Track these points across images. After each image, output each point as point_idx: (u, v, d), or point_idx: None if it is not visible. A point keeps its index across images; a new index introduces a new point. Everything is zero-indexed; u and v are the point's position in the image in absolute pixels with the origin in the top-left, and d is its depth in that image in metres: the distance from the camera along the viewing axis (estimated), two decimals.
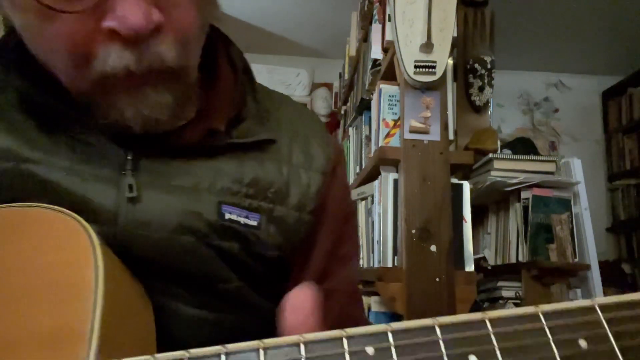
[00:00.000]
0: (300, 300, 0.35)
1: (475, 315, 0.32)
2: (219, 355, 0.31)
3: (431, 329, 0.32)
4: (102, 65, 0.42)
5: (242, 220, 0.51)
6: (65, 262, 0.37)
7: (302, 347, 0.30)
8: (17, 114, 0.48)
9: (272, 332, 0.58)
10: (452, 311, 1.33)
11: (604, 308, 0.32)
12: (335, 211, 0.60)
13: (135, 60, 0.42)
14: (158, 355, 0.30)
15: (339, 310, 0.59)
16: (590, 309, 0.32)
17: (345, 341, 0.30)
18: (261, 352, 0.31)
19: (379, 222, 1.52)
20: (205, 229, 0.49)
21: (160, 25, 0.42)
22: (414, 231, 1.36)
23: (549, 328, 0.31)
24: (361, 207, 1.77)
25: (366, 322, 0.63)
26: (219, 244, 0.50)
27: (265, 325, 0.56)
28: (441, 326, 0.32)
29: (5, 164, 0.46)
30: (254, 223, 0.52)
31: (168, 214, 0.48)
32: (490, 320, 0.31)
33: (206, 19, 0.49)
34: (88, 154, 0.48)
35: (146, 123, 0.46)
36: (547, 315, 0.31)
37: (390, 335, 0.31)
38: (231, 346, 0.31)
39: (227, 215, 0.50)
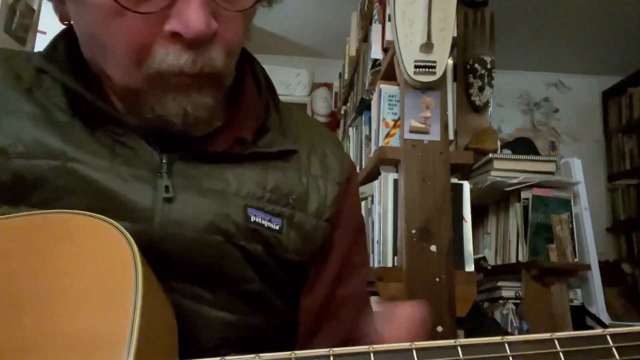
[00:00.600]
0: (408, 315, 0.37)
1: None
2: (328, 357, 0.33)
3: (500, 345, 0.34)
4: (159, 63, 0.46)
5: (266, 223, 0.54)
6: (106, 268, 0.39)
7: (372, 356, 0.33)
8: (63, 115, 0.51)
9: (289, 335, 0.60)
10: (452, 311, 1.33)
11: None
12: (349, 220, 0.63)
13: (192, 61, 0.46)
14: (263, 355, 0.33)
15: (352, 318, 0.62)
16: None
17: (414, 353, 0.33)
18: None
19: (379, 222, 1.52)
20: (233, 229, 0.52)
21: (215, 33, 0.47)
22: (414, 231, 1.36)
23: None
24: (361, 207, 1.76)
25: (376, 332, 0.65)
26: (245, 244, 0.53)
27: (283, 328, 0.59)
28: (510, 343, 0.34)
29: (54, 162, 0.49)
30: (276, 227, 0.55)
31: (200, 214, 0.51)
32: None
33: (247, 34, 0.54)
34: (127, 155, 0.51)
35: (187, 121, 0.50)
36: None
37: (459, 350, 0.33)
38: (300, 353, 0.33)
39: (253, 218, 0.53)
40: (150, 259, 0.45)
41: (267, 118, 0.59)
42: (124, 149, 0.51)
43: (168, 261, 0.49)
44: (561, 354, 0.33)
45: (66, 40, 0.55)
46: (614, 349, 0.33)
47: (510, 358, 0.32)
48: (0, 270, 0.39)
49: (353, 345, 0.60)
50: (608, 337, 0.34)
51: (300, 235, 0.57)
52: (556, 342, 0.33)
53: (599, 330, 0.34)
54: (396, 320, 0.37)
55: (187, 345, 0.49)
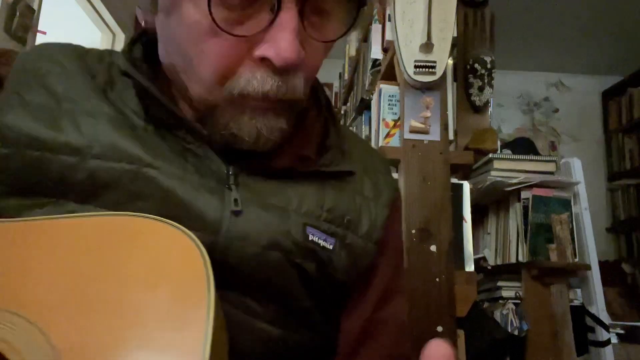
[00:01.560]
0: (442, 352, 0.36)
1: None
2: None
3: None
4: (244, 86, 0.47)
5: (322, 243, 0.54)
6: (179, 277, 0.38)
7: None
8: (137, 118, 0.52)
9: (330, 354, 0.60)
10: (452, 311, 1.33)
11: None
12: (394, 244, 0.64)
13: (277, 87, 0.47)
14: None
15: (392, 343, 0.62)
16: None
17: None
18: None
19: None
20: (292, 247, 0.52)
21: (302, 61, 0.47)
22: (414, 231, 1.36)
23: None
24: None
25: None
26: (301, 262, 0.53)
27: (325, 347, 0.59)
28: None
29: (129, 166, 0.49)
30: (330, 247, 0.55)
31: (264, 230, 0.51)
32: None
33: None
34: (197, 165, 0.51)
35: (258, 141, 0.50)
36: None
37: None
38: None
39: (311, 237, 0.54)
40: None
41: (327, 137, 0.59)
42: (193, 158, 0.51)
43: (227, 273, 0.49)
44: None
45: (143, 42, 0.56)
46: None
47: None
48: (76, 269, 0.39)
49: None
50: None
51: (349, 256, 0.57)
52: None
53: None
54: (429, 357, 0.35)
55: (235, 356, 0.49)
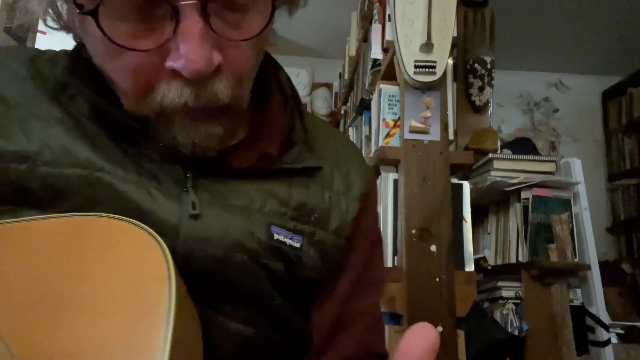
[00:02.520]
0: (426, 337, 0.35)
1: None
2: None
3: None
4: (162, 99, 0.45)
5: (288, 241, 0.54)
6: (141, 276, 0.38)
7: None
8: (90, 123, 0.50)
9: (306, 350, 0.59)
10: (452, 311, 1.33)
11: None
12: (366, 237, 0.62)
13: (194, 97, 0.45)
14: None
15: (362, 337, 0.61)
16: None
17: None
18: None
19: (379, 222, 1.52)
20: (257, 247, 0.51)
21: (219, 66, 0.44)
22: (414, 231, 1.36)
23: None
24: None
25: (386, 355, 0.64)
26: (267, 262, 0.52)
27: (300, 344, 0.58)
28: None
29: (81, 171, 0.48)
30: (297, 245, 0.54)
31: (226, 232, 0.50)
32: None
33: (261, 53, 0.52)
34: (153, 169, 0.50)
35: (195, 150, 0.48)
36: None
37: None
38: None
39: (276, 236, 0.53)
40: None
41: (292, 131, 0.57)
42: (149, 163, 0.50)
43: (191, 277, 0.48)
44: None
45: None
46: None
47: None
48: (36, 271, 0.39)
49: None
50: None
51: (319, 253, 0.56)
52: None
53: None
54: (408, 344, 0.34)
55: (208, 356, 0.48)
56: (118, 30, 0.42)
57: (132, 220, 0.41)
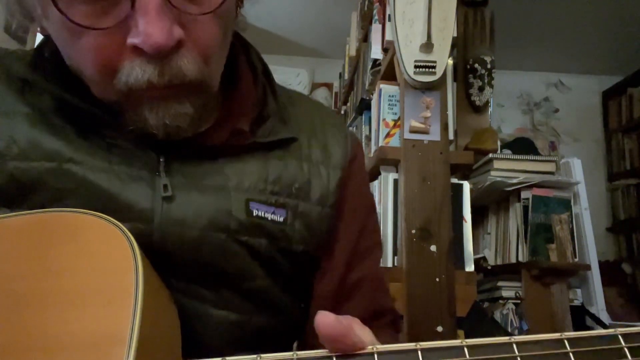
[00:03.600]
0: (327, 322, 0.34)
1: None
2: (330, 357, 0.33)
3: (508, 345, 0.33)
4: (126, 79, 0.44)
5: (269, 216, 0.53)
6: (107, 268, 0.39)
7: (376, 357, 0.32)
8: (56, 117, 0.50)
9: (295, 334, 0.59)
10: (452, 311, 1.33)
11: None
12: (355, 204, 0.62)
13: (158, 74, 0.44)
14: (264, 356, 0.32)
15: (369, 300, 0.61)
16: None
17: (419, 354, 0.32)
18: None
19: (379, 222, 1.52)
20: (235, 226, 0.51)
21: (181, 41, 0.44)
22: (414, 231, 1.36)
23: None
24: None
25: (394, 311, 0.65)
26: (248, 240, 0.52)
27: (289, 327, 0.58)
28: (518, 344, 0.33)
29: (49, 164, 0.48)
30: (280, 219, 0.54)
31: (201, 212, 0.50)
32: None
33: (228, 33, 0.51)
34: (124, 156, 0.50)
35: (168, 131, 0.48)
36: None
37: (466, 351, 0.32)
38: (302, 353, 0.32)
39: (255, 212, 0.53)
40: (152, 259, 0.44)
41: (265, 106, 0.57)
42: (119, 150, 0.50)
43: (170, 261, 0.49)
44: (571, 355, 0.32)
45: (53, 43, 0.53)
46: (625, 349, 0.32)
47: (519, 359, 0.31)
48: (1, 270, 0.39)
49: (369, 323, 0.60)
50: (620, 337, 0.32)
51: (305, 225, 0.56)
52: (566, 342, 0.32)
53: (610, 330, 0.33)
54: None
55: (192, 345, 0.48)
56: (76, 11, 0.42)
57: (98, 213, 0.41)
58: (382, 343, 0.57)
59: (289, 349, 0.59)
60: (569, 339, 0.32)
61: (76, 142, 0.49)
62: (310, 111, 0.64)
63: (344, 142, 0.62)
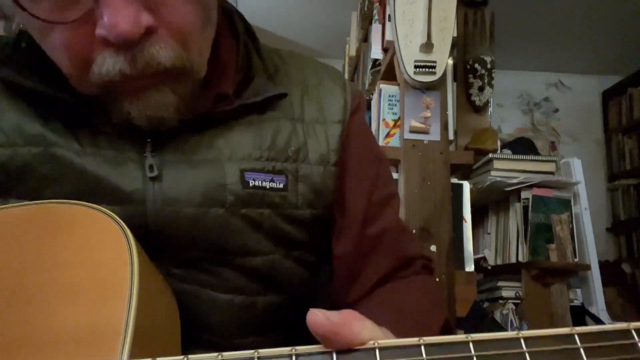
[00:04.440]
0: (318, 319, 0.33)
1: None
2: (290, 356, 0.31)
3: (516, 340, 0.31)
4: (99, 70, 0.42)
5: (268, 184, 0.51)
6: (103, 260, 0.38)
7: (377, 352, 0.31)
8: (40, 106, 0.48)
9: (305, 308, 0.57)
10: (452, 311, 1.33)
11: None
12: (361, 157, 0.59)
13: (129, 64, 0.42)
14: (262, 351, 0.30)
15: (394, 251, 0.59)
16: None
17: (423, 349, 0.30)
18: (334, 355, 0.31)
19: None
20: (232, 199, 0.49)
21: (152, 27, 0.42)
22: (414, 231, 1.36)
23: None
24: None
25: (424, 256, 0.62)
26: (248, 212, 0.50)
27: (298, 302, 0.56)
28: (526, 339, 0.31)
29: (35, 149, 0.47)
30: (280, 185, 0.52)
31: (194, 189, 0.48)
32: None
33: (211, 14, 0.48)
34: (110, 139, 0.49)
35: (151, 122, 0.46)
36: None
37: (471, 346, 0.30)
38: (300, 348, 0.31)
39: (252, 182, 0.51)
40: (148, 242, 0.44)
41: (249, 67, 0.54)
42: (107, 134, 0.49)
43: (168, 244, 0.48)
44: (582, 350, 0.30)
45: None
46: (639, 344, 0.30)
47: (527, 354, 0.30)
48: None
49: (402, 272, 0.57)
50: (633, 332, 0.31)
51: (309, 187, 0.53)
52: (576, 337, 0.30)
53: (623, 325, 0.31)
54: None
55: (201, 332, 0.48)
56: (41, 6, 0.40)
57: (92, 205, 0.41)
58: (417, 292, 0.52)
59: (299, 325, 0.58)
60: (579, 334, 0.31)
61: (61, 127, 0.48)
62: (302, 67, 0.61)
63: (342, 95, 0.59)
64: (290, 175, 0.53)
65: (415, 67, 1.38)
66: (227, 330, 0.51)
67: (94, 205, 0.41)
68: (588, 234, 2.00)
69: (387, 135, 1.57)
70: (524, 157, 1.89)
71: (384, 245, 0.58)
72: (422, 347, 0.30)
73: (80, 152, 0.47)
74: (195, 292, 0.49)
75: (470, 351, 0.30)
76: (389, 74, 1.60)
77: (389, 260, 0.58)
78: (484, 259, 1.98)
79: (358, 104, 0.61)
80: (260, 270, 0.51)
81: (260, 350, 0.31)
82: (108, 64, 0.42)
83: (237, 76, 0.53)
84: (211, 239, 0.49)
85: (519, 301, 1.81)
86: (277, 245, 0.52)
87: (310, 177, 0.54)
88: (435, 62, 1.38)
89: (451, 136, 1.49)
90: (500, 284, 1.88)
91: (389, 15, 1.54)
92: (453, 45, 1.44)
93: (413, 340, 0.31)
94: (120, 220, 0.40)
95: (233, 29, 0.57)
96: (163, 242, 0.48)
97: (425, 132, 1.42)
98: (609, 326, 0.32)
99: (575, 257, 1.82)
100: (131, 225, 0.40)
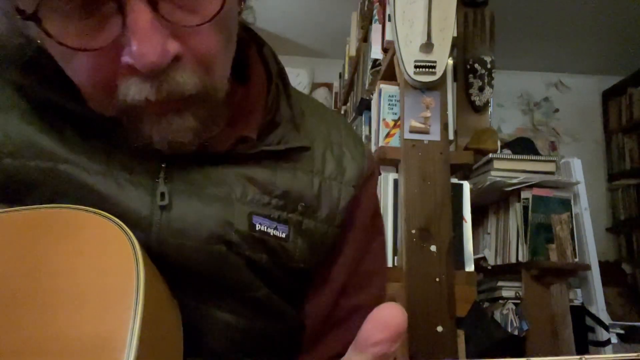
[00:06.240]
0: (392, 317, 0.31)
1: None
2: None
3: None
4: (124, 97, 0.42)
5: (272, 232, 0.51)
6: (108, 268, 0.37)
7: None
8: (54, 116, 0.48)
9: (297, 337, 0.57)
10: (452, 311, 1.33)
11: None
12: (362, 226, 0.59)
13: (155, 91, 0.42)
14: None
15: (353, 336, 0.58)
16: None
17: None
18: None
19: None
20: (236, 239, 0.49)
21: (178, 55, 0.42)
22: (414, 231, 1.36)
23: None
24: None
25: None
26: (249, 254, 0.50)
27: (291, 332, 0.56)
28: None
29: (45, 164, 0.46)
30: (282, 235, 0.52)
31: (202, 223, 0.48)
32: None
33: (231, 35, 0.48)
34: (124, 161, 0.48)
35: (172, 146, 0.46)
36: None
37: None
38: None
39: (258, 227, 0.50)
40: None
41: (277, 111, 0.54)
42: (120, 154, 0.48)
43: (169, 270, 0.47)
44: None
45: None
46: None
47: None
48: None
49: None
50: None
51: (308, 243, 0.53)
52: None
53: (632, 355, 0.30)
54: (373, 320, 0.32)
55: (194, 348, 0.47)
56: (66, 32, 0.40)
57: (98, 211, 0.40)
58: None
59: (291, 351, 0.58)
60: None
61: (74, 143, 0.47)
62: (327, 121, 0.61)
63: (361, 159, 0.59)
64: (293, 227, 0.53)
65: (415, 67, 1.38)
66: (221, 348, 0.51)
67: (102, 212, 0.40)
68: (588, 234, 2.00)
69: (387, 135, 1.57)
70: (524, 157, 1.89)
71: (350, 325, 0.57)
72: None
73: (91, 170, 0.47)
74: (197, 308, 0.49)
75: None
76: (389, 74, 1.60)
77: (346, 343, 0.59)
78: (484, 259, 1.98)
79: (372, 172, 0.61)
80: (259, 301, 0.52)
81: None
82: (133, 91, 0.42)
83: (263, 120, 0.52)
84: (212, 272, 0.49)
85: (518, 301, 1.81)
86: (268, 285, 0.52)
87: (313, 233, 0.54)
88: (435, 62, 1.38)
89: (451, 136, 1.49)
90: (500, 284, 1.88)
91: (389, 15, 1.54)
92: (453, 45, 1.44)
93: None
94: (127, 228, 0.39)
95: (265, 66, 0.57)
96: (164, 268, 0.47)
97: (425, 132, 1.42)
98: (618, 355, 0.31)
99: (575, 257, 1.82)
100: None
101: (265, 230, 0.51)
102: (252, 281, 0.51)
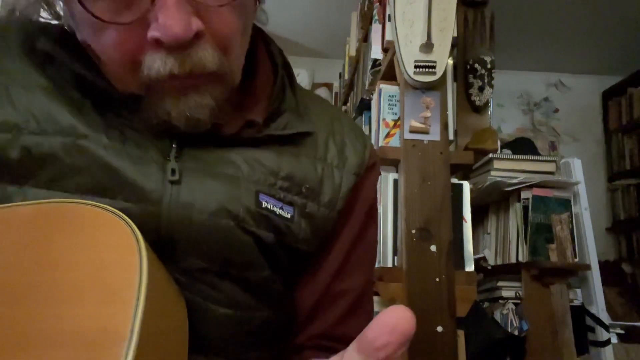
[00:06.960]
0: (399, 321, 0.29)
1: None
2: None
3: None
4: (149, 71, 0.45)
5: (278, 211, 0.53)
6: (111, 262, 0.38)
7: None
8: (74, 92, 0.51)
9: (292, 327, 0.58)
10: (452, 311, 1.33)
11: None
12: (360, 214, 0.61)
13: (179, 65, 0.45)
14: None
15: (339, 317, 0.60)
16: None
17: None
18: None
19: (379, 222, 1.52)
20: (243, 214, 0.51)
21: (200, 32, 0.45)
22: (414, 231, 1.36)
23: None
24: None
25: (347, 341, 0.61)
26: (255, 230, 0.52)
27: (290, 320, 0.58)
28: None
29: (65, 139, 0.48)
30: (288, 215, 0.54)
31: (210, 197, 0.50)
32: None
33: (248, 25, 0.51)
34: (137, 139, 0.51)
35: (189, 123, 0.48)
36: None
37: None
38: None
39: (264, 204, 0.52)
40: (159, 244, 0.45)
41: (283, 100, 0.57)
42: (134, 132, 0.51)
43: (176, 248, 0.49)
44: None
45: None
46: None
47: None
48: (1, 260, 0.38)
49: (328, 342, 0.59)
50: None
51: (310, 225, 0.56)
52: None
53: None
54: (380, 323, 0.30)
55: (195, 341, 0.48)
56: (98, 7, 0.43)
57: (102, 205, 0.41)
58: None
59: (287, 342, 0.59)
60: None
61: (93, 118, 0.50)
62: (329, 113, 0.64)
63: (362, 150, 0.62)
64: (298, 209, 0.55)
65: (415, 67, 1.38)
66: (221, 342, 0.52)
67: (104, 205, 0.41)
68: (588, 234, 2.00)
69: (387, 135, 1.57)
70: (524, 157, 1.89)
71: (337, 306, 0.59)
72: None
73: (107, 146, 0.49)
74: (196, 304, 0.50)
75: None
76: (389, 74, 1.60)
77: (333, 323, 0.59)
78: (484, 259, 1.98)
79: (374, 164, 0.64)
80: (259, 284, 0.53)
81: None
82: (158, 65, 0.45)
83: (270, 107, 0.55)
84: (218, 248, 0.50)
85: (519, 301, 1.81)
86: (272, 267, 0.54)
87: (315, 216, 0.56)
88: (435, 62, 1.38)
89: (451, 136, 1.49)
90: (500, 284, 1.88)
91: (389, 15, 1.54)
92: (453, 45, 1.44)
93: None
94: (132, 223, 0.40)
95: (272, 60, 0.60)
96: (172, 247, 0.49)
97: (425, 132, 1.42)
98: None
99: (575, 257, 1.82)
100: (144, 225, 0.41)
101: (272, 208, 0.53)
102: (257, 260, 0.53)
